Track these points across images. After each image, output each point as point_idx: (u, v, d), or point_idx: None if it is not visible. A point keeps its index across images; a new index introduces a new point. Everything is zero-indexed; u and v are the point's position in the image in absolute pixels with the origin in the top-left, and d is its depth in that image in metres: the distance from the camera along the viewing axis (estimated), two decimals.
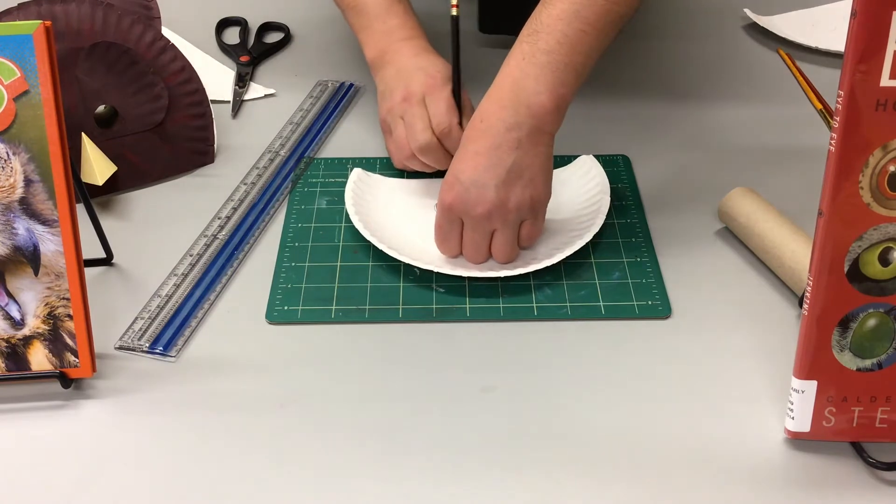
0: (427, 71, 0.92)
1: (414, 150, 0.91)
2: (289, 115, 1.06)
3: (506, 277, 0.84)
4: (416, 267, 0.85)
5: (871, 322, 0.66)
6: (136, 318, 0.82)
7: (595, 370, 0.77)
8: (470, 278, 0.84)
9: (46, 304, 0.74)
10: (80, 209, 0.81)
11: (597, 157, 0.96)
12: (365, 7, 0.97)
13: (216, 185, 0.96)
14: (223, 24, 1.22)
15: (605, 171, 0.93)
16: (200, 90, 0.98)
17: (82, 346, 0.75)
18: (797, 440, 0.71)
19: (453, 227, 0.83)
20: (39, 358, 0.75)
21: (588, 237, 0.86)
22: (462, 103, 0.91)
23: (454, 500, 0.68)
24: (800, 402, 0.69)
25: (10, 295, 0.74)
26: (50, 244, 0.73)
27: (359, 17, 0.97)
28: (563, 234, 0.88)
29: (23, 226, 0.73)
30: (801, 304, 0.76)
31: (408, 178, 0.96)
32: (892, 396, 0.68)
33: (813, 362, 0.67)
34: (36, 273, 0.74)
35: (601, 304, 0.83)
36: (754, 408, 0.74)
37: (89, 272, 0.82)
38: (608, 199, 0.90)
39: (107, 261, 0.87)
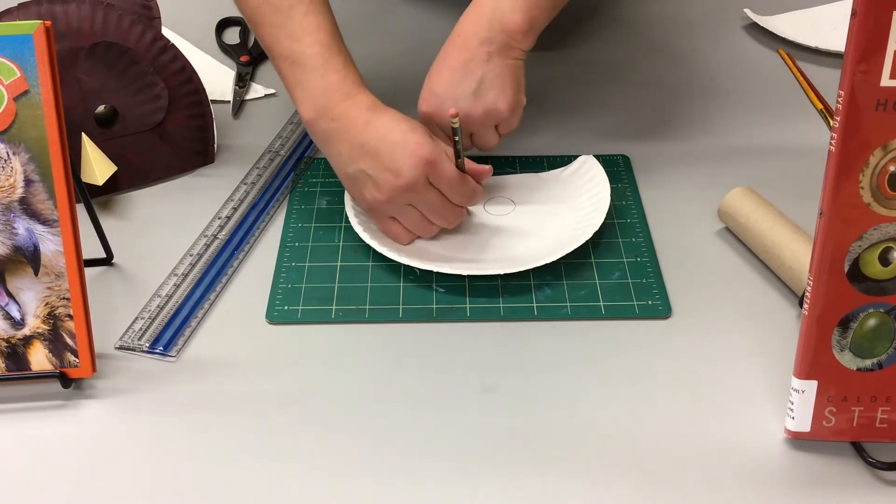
0: (406, 148, 0.83)
1: (449, 227, 0.88)
2: (289, 115, 1.06)
3: (506, 277, 0.84)
4: (415, 267, 0.85)
5: (872, 322, 0.66)
6: (136, 318, 0.82)
7: (595, 370, 0.77)
8: (470, 278, 0.84)
9: (46, 304, 0.74)
10: (80, 209, 0.81)
11: (597, 157, 0.96)
12: (300, 58, 0.86)
13: (216, 185, 0.96)
14: (223, 24, 1.22)
15: (605, 171, 0.93)
16: (200, 90, 0.98)
17: (82, 346, 0.75)
18: (797, 440, 0.71)
19: (436, 134, 0.88)
20: (39, 358, 0.75)
21: (588, 235, 0.86)
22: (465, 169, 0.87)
23: (454, 500, 0.68)
24: (800, 402, 0.69)
25: (10, 295, 0.74)
26: (50, 244, 0.73)
27: (293, 70, 0.87)
28: (563, 232, 0.88)
29: (23, 226, 0.73)
30: (801, 304, 0.76)
31: None
32: (892, 396, 0.68)
33: (813, 362, 0.67)
34: (36, 273, 0.74)
35: (601, 304, 0.83)
36: (754, 408, 0.74)
37: (89, 272, 0.82)
38: (608, 198, 0.90)
39: (107, 261, 0.87)
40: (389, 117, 0.85)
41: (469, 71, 0.86)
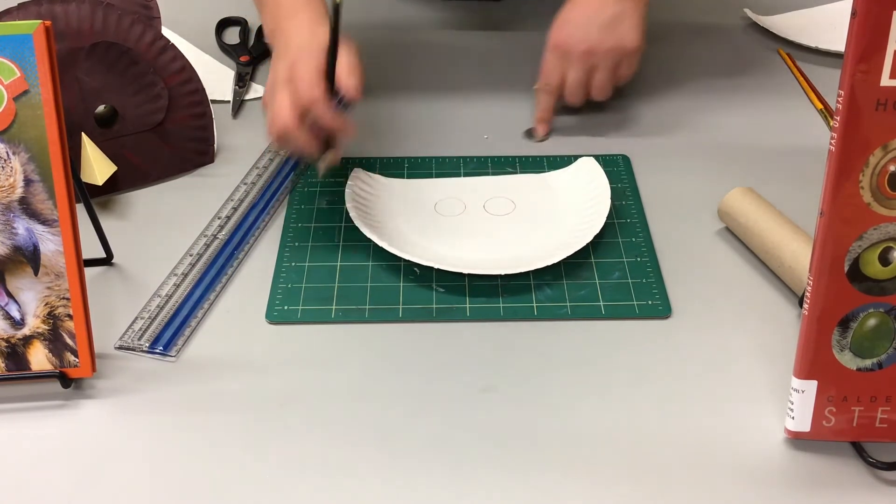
0: (299, 50, 0.87)
1: (273, 137, 0.88)
2: None
3: (506, 277, 0.84)
4: (416, 265, 0.85)
5: (871, 322, 0.66)
6: (136, 318, 0.82)
7: (595, 370, 0.77)
8: (470, 278, 0.84)
9: (46, 304, 0.74)
10: (80, 209, 0.81)
11: (597, 157, 0.96)
12: None
13: (216, 185, 0.96)
14: (223, 24, 1.22)
15: (605, 171, 0.93)
16: (200, 90, 0.98)
17: (82, 346, 0.75)
18: (797, 440, 0.71)
19: (557, 65, 0.97)
20: (39, 358, 0.75)
21: (589, 237, 0.86)
22: (336, 73, 0.86)
23: (454, 500, 0.68)
24: (800, 402, 0.69)
25: (10, 295, 0.74)
26: (50, 244, 0.73)
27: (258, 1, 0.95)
28: (564, 234, 0.88)
29: (23, 225, 0.73)
30: (801, 304, 0.76)
31: (408, 178, 0.96)
32: (892, 396, 0.68)
33: (813, 362, 0.67)
34: (36, 273, 0.74)
35: (601, 304, 0.83)
36: (754, 408, 0.74)
37: (89, 272, 0.82)
38: (608, 200, 0.90)
39: (107, 261, 0.87)
40: (315, 31, 0.88)
41: (604, 5, 0.95)
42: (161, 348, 0.79)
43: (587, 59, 0.96)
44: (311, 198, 0.95)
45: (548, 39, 0.97)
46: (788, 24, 1.20)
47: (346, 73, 0.86)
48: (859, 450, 0.70)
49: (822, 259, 0.64)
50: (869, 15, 0.58)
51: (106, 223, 0.87)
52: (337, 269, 0.87)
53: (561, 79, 0.98)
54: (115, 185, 0.94)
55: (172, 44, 0.96)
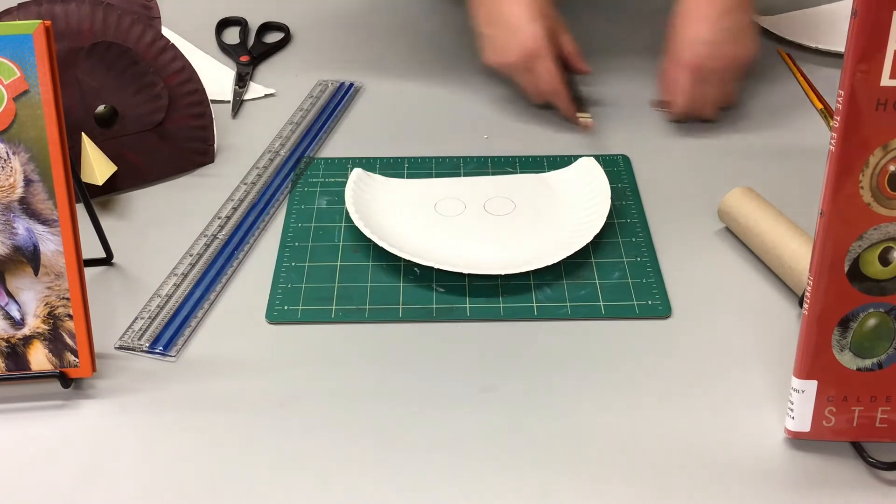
0: (518, 35, 0.98)
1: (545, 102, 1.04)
2: (289, 115, 1.06)
3: (506, 277, 0.84)
4: (416, 265, 0.85)
5: (872, 322, 0.66)
6: (136, 318, 0.82)
7: (595, 370, 0.77)
8: (470, 277, 0.84)
9: (46, 304, 0.74)
10: (80, 209, 0.81)
11: (597, 157, 0.96)
12: None
13: (216, 185, 0.96)
14: (223, 24, 1.22)
15: (605, 171, 0.93)
16: (200, 90, 0.98)
17: (82, 346, 0.75)
18: (797, 440, 0.71)
19: (696, 86, 0.98)
20: (39, 358, 0.75)
21: (589, 237, 0.86)
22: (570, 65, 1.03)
23: (454, 500, 0.68)
24: (800, 402, 0.69)
25: (10, 295, 0.74)
26: (50, 244, 0.73)
27: None
28: (564, 234, 0.88)
29: (23, 225, 0.73)
30: (801, 304, 0.76)
31: (408, 178, 0.96)
32: (892, 396, 0.68)
33: (813, 362, 0.67)
34: (36, 273, 0.74)
35: (601, 304, 0.83)
36: (754, 408, 0.74)
37: (89, 272, 0.82)
38: (608, 200, 0.90)
39: (107, 261, 0.87)
40: (521, 7, 0.98)
41: (727, 17, 0.96)
42: (161, 348, 0.79)
43: (723, 75, 0.99)
44: (311, 198, 0.95)
45: (677, 57, 0.98)
46: (788, 24, 1.20)
47: (574, 54, 1.02)
48: (859, 450, 0.70)
49: (822, 259, 0.64)
50: (869, 15, 0.58)
51: (106, 223, 0.87)
52: (337, 269, 0.87)
53: (691, 100, 1.00)
54: (115, 185, 0.94)
55: (172, 44, 0.96)
